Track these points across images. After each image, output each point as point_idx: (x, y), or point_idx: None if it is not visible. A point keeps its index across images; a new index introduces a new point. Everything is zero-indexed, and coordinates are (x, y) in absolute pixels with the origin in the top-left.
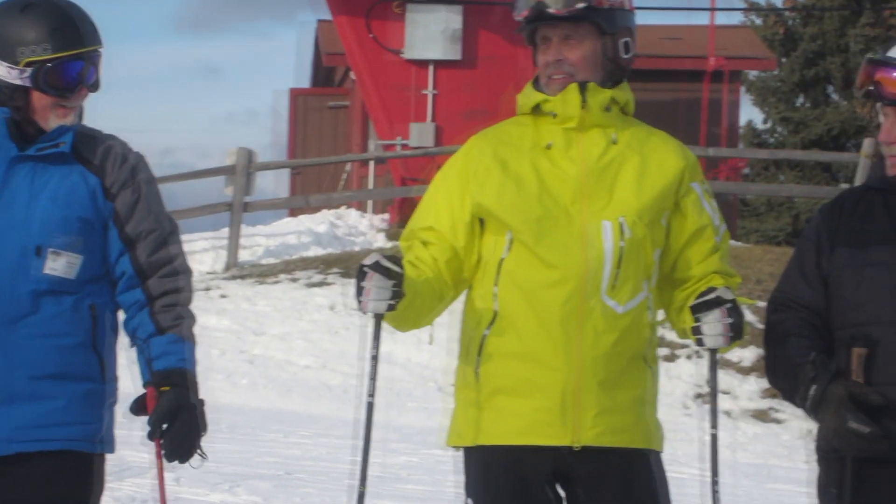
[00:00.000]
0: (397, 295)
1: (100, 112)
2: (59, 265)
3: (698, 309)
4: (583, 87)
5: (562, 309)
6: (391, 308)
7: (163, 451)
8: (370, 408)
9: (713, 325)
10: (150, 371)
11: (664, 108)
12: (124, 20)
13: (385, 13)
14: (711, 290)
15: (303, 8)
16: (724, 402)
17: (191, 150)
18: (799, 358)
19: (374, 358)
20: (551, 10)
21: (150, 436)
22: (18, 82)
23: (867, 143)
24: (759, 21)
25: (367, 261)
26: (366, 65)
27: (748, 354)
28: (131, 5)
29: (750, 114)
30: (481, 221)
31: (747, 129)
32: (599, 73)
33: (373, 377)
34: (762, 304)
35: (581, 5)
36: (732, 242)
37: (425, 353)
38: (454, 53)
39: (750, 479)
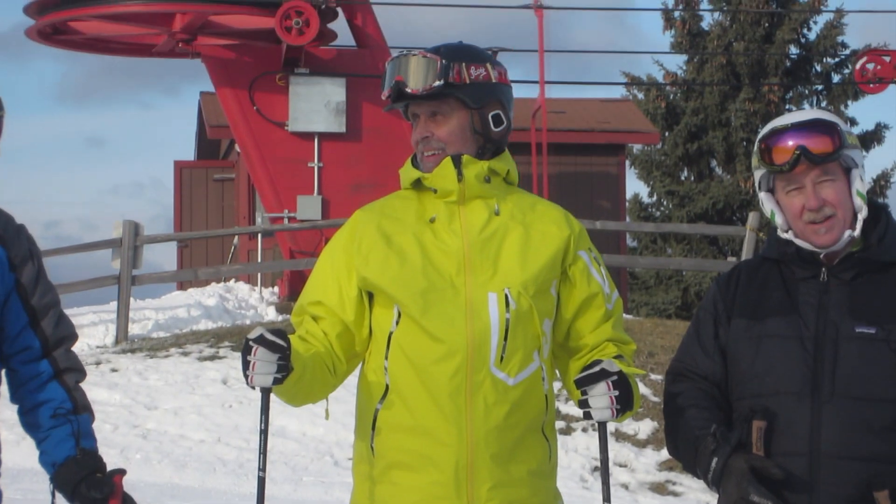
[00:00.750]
0: (283, 368)
1: None
2: None
3: (584, 382)
4: (457, 161)
5: (450, 382)
6: (277, 382)
7: None
8: (261, 483)
9: (599, 398)
10: (76, 446)
11: (554, 179)
12: (3, 90)
13: (268, 86)
14: (597, 362)
15: (186, 80)
16: (621, 475)
17: (76, 222)
18: (699, 430)
19: (264, 432)
20: (409, 90)
21: None
22: None
23: (752, 217)
24: (641, 95)
25: (252, 335)
26: (250, 137)
27: (644, 427)
28: (10, 75)
29: (636, 187)
30: (370, 295)
31: (633, 203)
32: (471, 147)
33: (263, 452)
34: (655, 376)
35: (438, 83)
36: (623, 315)
37: (321, 427)
38: (338, 126)
39: None
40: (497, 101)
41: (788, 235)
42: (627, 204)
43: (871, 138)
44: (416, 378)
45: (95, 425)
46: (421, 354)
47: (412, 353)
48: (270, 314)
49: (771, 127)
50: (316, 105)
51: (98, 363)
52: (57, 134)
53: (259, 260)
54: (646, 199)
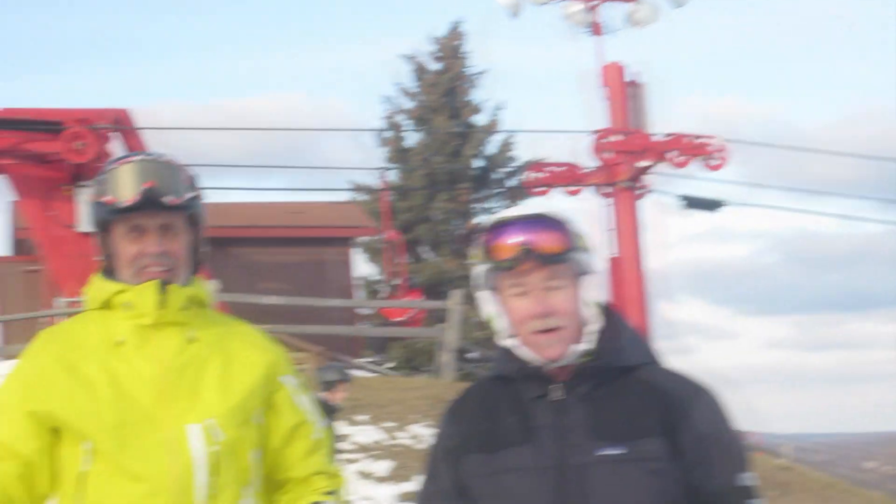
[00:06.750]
0: None
1: None
2: None
3: None
4: (163, 287)
5: None
6: None
7: None
8: None
9: None
10: None
11: (296, 267)
12: None
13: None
14: None
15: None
16: None
17: None
18: None
19: None
20: (167, 199)
21: None
22: None
23: (455, 294)
24: (366, 197)
25: None
26: (46, 237)
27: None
28: None
29: (366, 268)
30: (55, 431)
31: (364, 281)
32: (188, 267)
33: None
34: (388, 424)
35: (190, 195)
36: (361, 373)
37: None
38: None
39: None
40: (205, 223)
41: (512, 342)
42: (358, 282)
43: None
44: None
45: None
46: (120, 496)
47: (109, 495)
48: None
49: (495, 219)
50: None
51: None
52: None
53: None
54: (375, 277)
